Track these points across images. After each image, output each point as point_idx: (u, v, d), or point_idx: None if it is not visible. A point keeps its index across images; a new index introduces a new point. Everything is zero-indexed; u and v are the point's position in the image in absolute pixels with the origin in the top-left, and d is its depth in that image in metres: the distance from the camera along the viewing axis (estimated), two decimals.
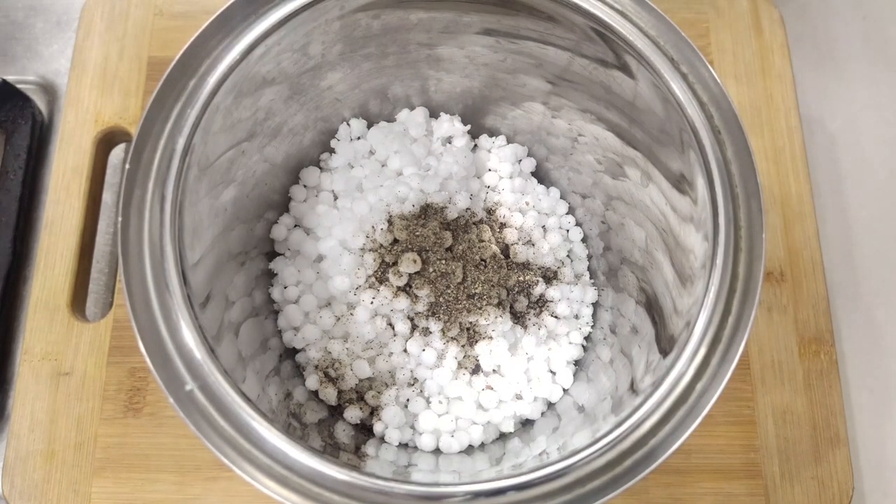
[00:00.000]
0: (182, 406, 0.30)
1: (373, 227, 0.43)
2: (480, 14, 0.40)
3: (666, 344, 0.36)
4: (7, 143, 0.52)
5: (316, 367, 0.44)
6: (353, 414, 0.43)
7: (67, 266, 0.47)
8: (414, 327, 0.44)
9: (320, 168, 0.48)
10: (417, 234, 0.43)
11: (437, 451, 0.43)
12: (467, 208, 0.46)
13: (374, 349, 0.43)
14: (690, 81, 0.35)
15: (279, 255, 0.46)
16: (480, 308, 0.43)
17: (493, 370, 0.44)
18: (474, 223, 0.47)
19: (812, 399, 0.47)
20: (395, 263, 0.43)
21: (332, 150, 0.48)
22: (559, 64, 0.41)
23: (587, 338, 0.47)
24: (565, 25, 0.38)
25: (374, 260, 0.43)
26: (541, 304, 0.46)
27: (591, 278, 0.48)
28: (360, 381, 0.43)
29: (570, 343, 0.46)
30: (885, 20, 0.52)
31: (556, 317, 0.45)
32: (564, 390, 0.45)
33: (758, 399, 0.47)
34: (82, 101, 0.51)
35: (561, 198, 0.50)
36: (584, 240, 0.49)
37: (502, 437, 0.44)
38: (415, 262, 0.42)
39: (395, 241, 0.44)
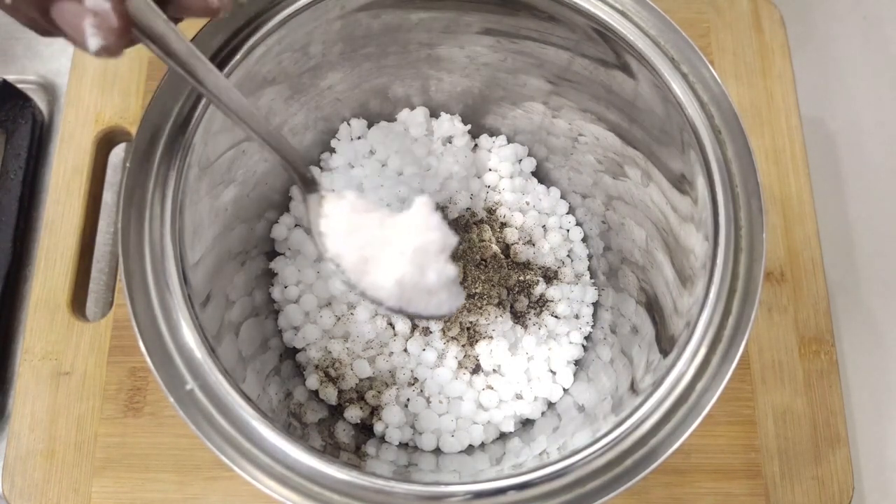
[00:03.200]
0: (182, 405, 0.30)
1: None
2: (481, 14, 0.40)
3: (666, 344, 0.36)
4: (7, 143, 0.52)
5: (316, 366, 0.44)
6: (354, 413, 0.43)
7: (67, 266, 0.47)
8: (414, 327, 0.44)
9: (321, 168, 0.48)
10: None
11: (437, 451, 0.43)
12: (468, 208, 0.46)
13: (375, 349, 0.43)
14: (691, 81, 0.35)
15: (279, 254, 0.46)
16: (481, 308, 0.43)
17: (494, 370, 0.44)
18: (475, 223, 0.47)
19: (812, 399, 0.47)
20: None
21: (332, 150, 0.48)
22: (559, 64, 0.41)
23: (587, 337, 0.47)
24: (566, 25, 0.38)
25: None
26: (541, 303, 0.46)
27: (591, 278, 0.48)
28: (361, 380, 0.43)
29: (570, 343, 0.46)
30: (885, 20, 0.52)
31: (556, 316, 0.45)
32: (565, 390, 0.45)
33: (758, 399, 0.47)
34: (82, 101, 0.51)
35: (561, 197, 0.50)
36: (584, 239, 0.49)
37: (502, 436, 0.44)
38: None
39: None
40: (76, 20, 0.24)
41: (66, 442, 0.44)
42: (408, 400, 0.43)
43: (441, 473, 0.40)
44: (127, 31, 0.24)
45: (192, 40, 0.34)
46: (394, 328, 0.43)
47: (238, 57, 0.35)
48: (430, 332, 0.43)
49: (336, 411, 0.44)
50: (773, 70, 0.54)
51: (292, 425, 0.38)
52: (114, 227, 0.52)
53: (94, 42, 0.24)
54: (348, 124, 0.48)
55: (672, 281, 0.38)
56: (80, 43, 0.24)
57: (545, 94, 0.44)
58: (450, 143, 0.48)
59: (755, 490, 0.45)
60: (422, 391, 0.43)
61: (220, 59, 0.35)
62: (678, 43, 0.36)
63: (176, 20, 0.28)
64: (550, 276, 0.46)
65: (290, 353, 0.45)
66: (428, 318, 0.37)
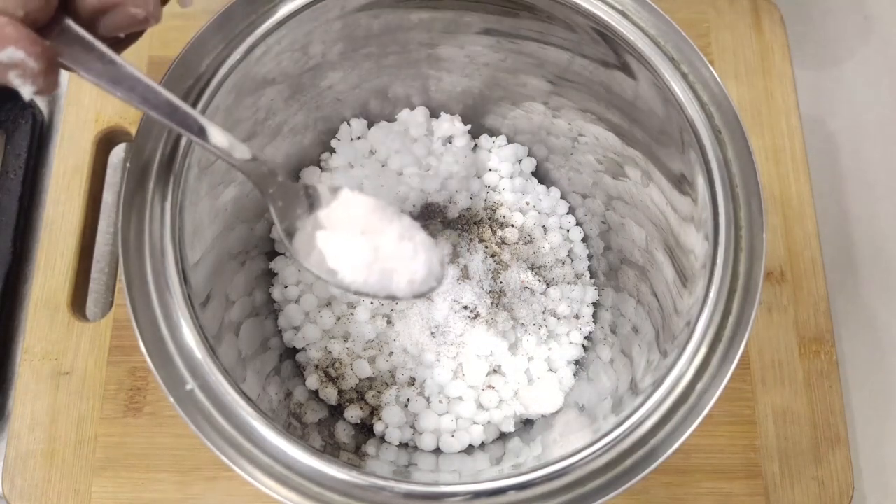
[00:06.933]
0: (182, 405, 0.30)
1: None
2: (481, 14, 0.40)
3: (666, 344, 0.36)
4: (7, 143, 0.52)
5: (316, 366, 0.44)
6: (354, 413, 0.43)
7: (67, 266, 0.47)
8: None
9: (321, 168, 0.48)
10: None
11: (437, 451, 0.43)
12: (468, 208, 0.46)
13: (375, 349, 0.43)
14: (691, 81, 0.35)
15: (279, 254, 0.46)
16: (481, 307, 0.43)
17: (494, 370, 0.44)
18: (475, 223, 0.47)
19: (812, 399, 0.47)
20: None
21: (332, 150, 0.48)
22: (559, 64, 0.41)
23: (587, 337, 0.47)
24: (566, 25, 0.38)
25: None
26: (541, 303, 0.45)
27: (591, 278, 0.48)
28: (361, 380, 0.43)
29: (570, 343, 0.46)
30: (885, 20, 0.52)
31: (556, 316, 0.45)
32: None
33: (758, 399, 0.47)
34: (82, 101, 0.51)
35: (561, 197, 0.50)
36: (584, 239, 0.49)
37: (503, 436, 0.44)
38: None
39: None
40: (2, 75, 0.23)
41: (66, 442, 0.44)
42: (408, 400, 0.43)
43: (441, 473, 0.40)
44: (53, 69, 0.24)
45: (191, 41, 0.34)
46: (394, 327, 0.43)
47: (238, 57, 0.35)
48: (432, 332, 0.43)
49: (336, 411, 0.44)
50: (773, 70, 0.54)
51: (292, 425, 0.38)
52: (114, 228, 0.52)
53: (26, 91, 0.24)
54: (348, 124, 0.48)
55: (672, 281, 0.38)
56: (20, 90, 0.24)
57: (545, 94, 0.44)
58: (450, 143, 0.48)
59: (755, 490, 0.45)
60: (422, 391, 0.43)
61: (220, 59, 0.35)
62: (678, 43, 0.36)
63: (110, 40, 0.27)
64: (550, 276, 0.46)
65: (290, 353, 0.45)
66: (402, 299, 0.35)
